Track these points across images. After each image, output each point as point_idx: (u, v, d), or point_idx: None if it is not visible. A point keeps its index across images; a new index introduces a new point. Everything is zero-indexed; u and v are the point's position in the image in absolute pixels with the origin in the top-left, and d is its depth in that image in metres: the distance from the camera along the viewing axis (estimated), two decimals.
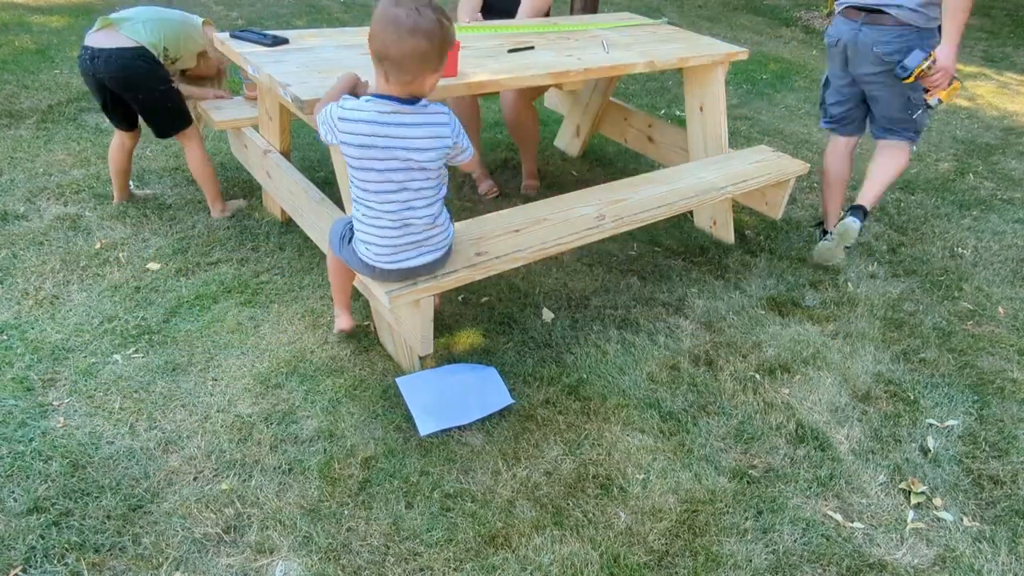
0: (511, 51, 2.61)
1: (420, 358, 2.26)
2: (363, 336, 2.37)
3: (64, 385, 2.05)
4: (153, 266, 2.61)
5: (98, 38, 2.57)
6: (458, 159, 1.92)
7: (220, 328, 2.34)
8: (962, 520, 1.93)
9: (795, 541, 1.82)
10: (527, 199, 3.35)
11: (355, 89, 1.90)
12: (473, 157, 1.98)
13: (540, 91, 3.51)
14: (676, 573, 1.71)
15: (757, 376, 2.38)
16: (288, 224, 2.94)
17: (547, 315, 2.57)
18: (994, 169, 4.44)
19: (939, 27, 2.63)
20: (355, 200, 1.88)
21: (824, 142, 4.58)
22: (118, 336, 2.25)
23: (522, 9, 3.22)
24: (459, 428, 2.03)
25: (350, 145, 1.75)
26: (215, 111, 2.90)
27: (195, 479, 1.81)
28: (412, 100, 1.76)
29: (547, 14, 3.38)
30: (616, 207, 2.44)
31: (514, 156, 3.89)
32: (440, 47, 1.69)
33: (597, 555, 1.72)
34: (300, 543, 1.68)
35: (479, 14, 3.21)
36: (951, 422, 2.27)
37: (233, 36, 2.47)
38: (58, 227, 2.78)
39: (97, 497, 1.73)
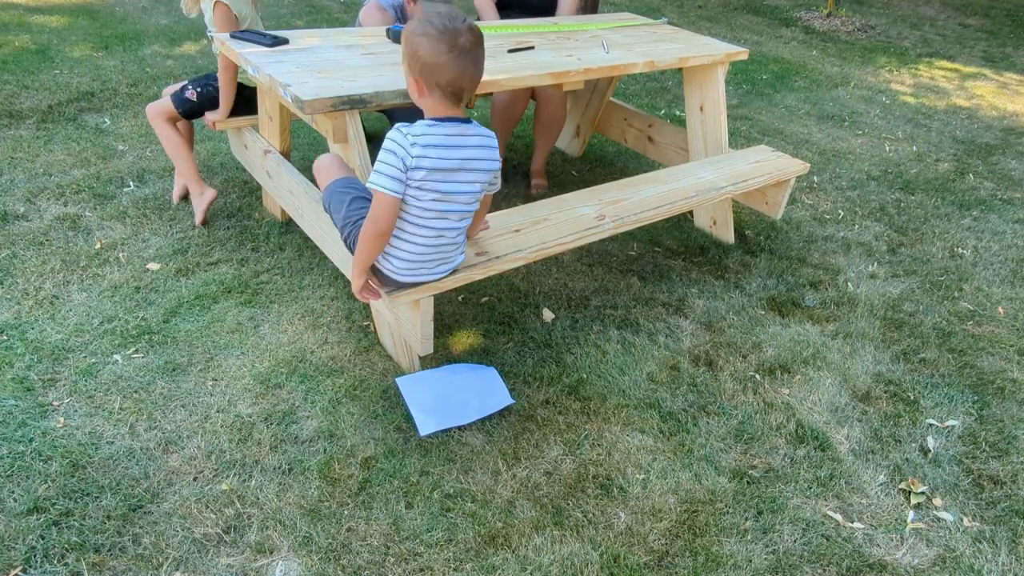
0: (511, 51, 2.61)
1: (420, 358, 2.26)
2: (363, 336, 2.37)
3: (64, 385, 2.05)
4: (153, 266, 2.61)
5: None
6: (492, 188, 1.91)
7: (220, 328, 2.34)
8: (962, 520, 1.93)
9: (795, 541, 1.82)
10: (527, 199, 3.35)
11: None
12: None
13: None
14: (676, 573, 1.71)
15: (757, 376, 2.38)
16: (288, 224, 2.94)
17: (547, 315, 2.57)
18: (994, 169, 4.44)
19: None
20: (402, 219, 1.79)
21: (826, 143, 4.58)
22: (118, 336, 2.25)
23: (562, 6, 3.31)
24: (459, 428, 2.03)
25: (422, 169, 1.67)
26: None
27: (195, 479, 1.81)
28: (467, 119, 1.75)
29: (595, 9, 3.46)
30: (616, 207, 2.44)
31: (514, 156, 3.89)
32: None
33: (597, 555, 1.72)
34: (300, 543, 1.68)
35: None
36: (951, 422, 2.27)
37: (233, 36, 2.47)
38: (58, 227, 2.78)
39: (97, 497, 1.73)
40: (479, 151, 1.77)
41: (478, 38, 1.65)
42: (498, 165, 1.83)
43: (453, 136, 1.71)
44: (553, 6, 3.44)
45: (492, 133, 1.81)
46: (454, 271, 1.99)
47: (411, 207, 1.75)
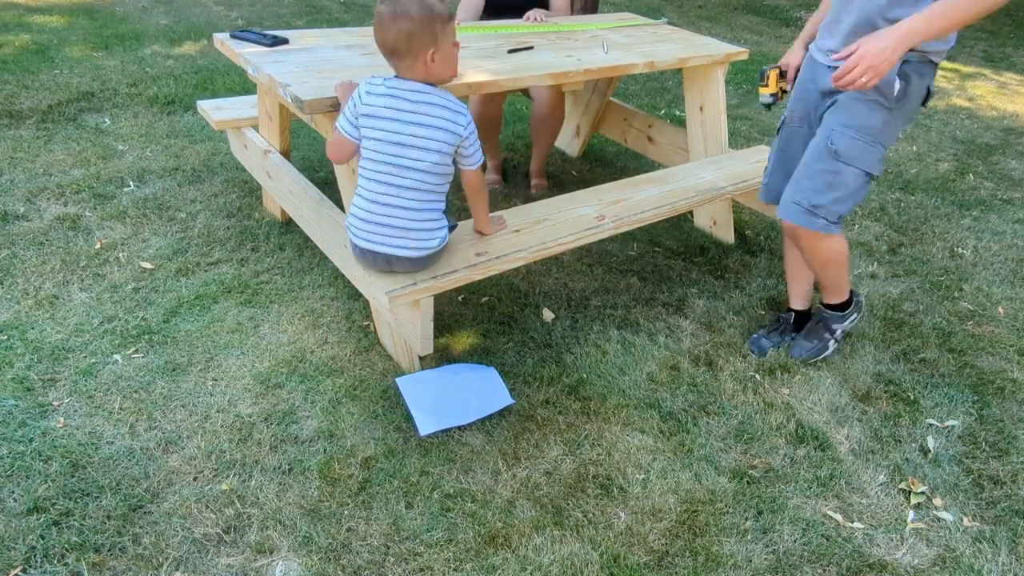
0: (511, 51, 2.61)
1: (420, 358, 2.26)
2: (363, 336, 2.37)
3: (64, 385, 2.05)
4: (153, 266, 2.61)
5: None
6: (465, 162, 1.99)
7: (220, 328, 2.34)
8: (962, 520, 1.93)
9: (795, 541, 1.82)
10: (527, 199, 3.35)
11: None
12: (478, 172, 2.04)
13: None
14: (676, 573, 1.71)
15: (757, 376, 2.38)
16: (288, 224, 2.94)
17: (547, 315, 2.57)
18: (994, 169, 4.44)
19: None
20: (360, 172, 1.95)
21: None
22: (118, 336, 2.25)
23: (554, 6, 3.34)
24: (459, 428, 2.03)
25: (371, 116, 1.86)
26: (215, 111, 2.90)
27: (195, 479, 1.81)
28: (431, 84, 1.88)
29: (595, 9, 3.44)
30: (616, 207, 2.44)
31: (514, 157, 3.89)
32: (424, 22, 1.79)
33: (597, 555, 1.72)
34: (300, 543, 1.68)
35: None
36: (951, 422, 2.27)
37: (233, 36, 2.47)
38: (58, 227, 2.78)
39: (97, 497, 1.73)
40: (429, 107, 1.87)
41: (397, 11, 1.78)
42: (457, 127, 1.89)
43: (403, 90, 1.86)
44: (545, 7, 3.43)
45: (455, 100, 1.91)
46: (429, 257, 1.98)
47: (363, 158, 1.91)
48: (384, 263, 1.97)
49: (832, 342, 2.47)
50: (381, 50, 1.87)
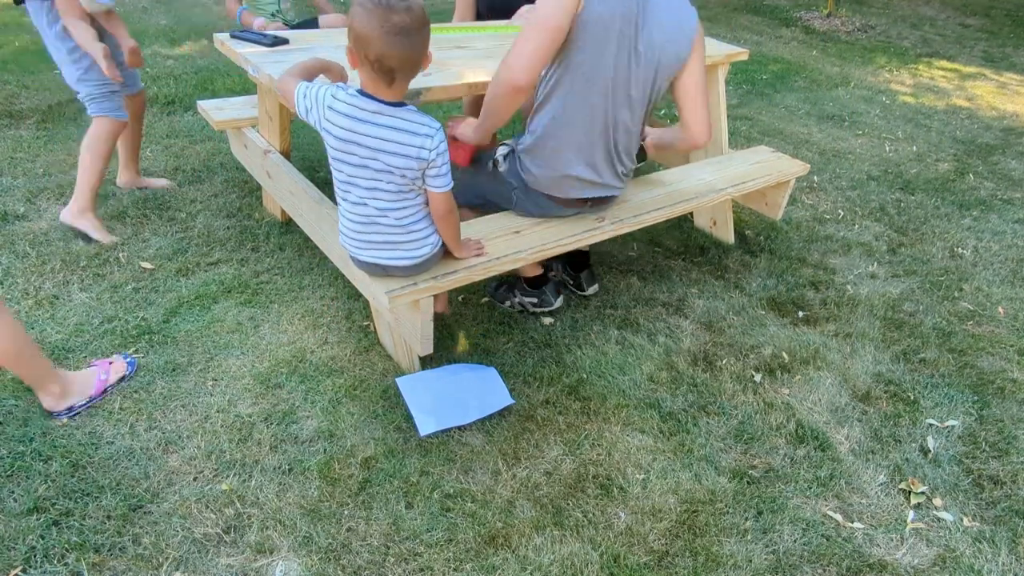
0: None
1: (420, 358, 2.26)
2: (363, 336, 2.37)
3: None
4: (153, 266, 2.61)
5: None
6: (431, 183, 1.82)
7: (220, 328, 2.34)
8: (962, 520, 1.93)
9: (795, 541, 1.82)
10: None
11: (331, 75, 1.93)
12: (447, 196, 1.86)
13: None
14: (676, 573, 1.71)
15: (757, 376, 2.38)
16: (288, 224, 2.94)
17: (547, 319, 2.57)
18: (994, 169, 4.44)
19: None
20: (335, 189, 1.92)
21: (826, 143, 4.58)
22: (118, 336, 2.25)
23: None
24: (459, 428, 2.03)
25: (331, 135, 1.77)
26: (215, 111, 2.90)
27: (195, 479, 1.81)
28: (399, 104, 1.74)
29: None
30: (616, 208, 2.44)
31: None
32: (430, 29, 1.71)
33: (597, 555, 1.72)
34: (300, 543, 1.68)
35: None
36: (951, 422, 2.27)
37: (233, 36, 2.47)
38: (58, 227, 2.78)
39: (97, 497, 1.73)
40: (393, 132, 1.72)
41: (416, 20, 1.62)
42: (420, 151, 1.74)
43: (366, 111, 1.72)
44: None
45: (427, 122, 1.74)
46: (426, 262, 1.97)
47: (335, 177, 1.86)
48: (381, 270, 1.97)
49: (509, 303, 2.56)
50: (397, 67, 1.64)
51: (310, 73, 1.91)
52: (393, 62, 1.63)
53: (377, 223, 1.88)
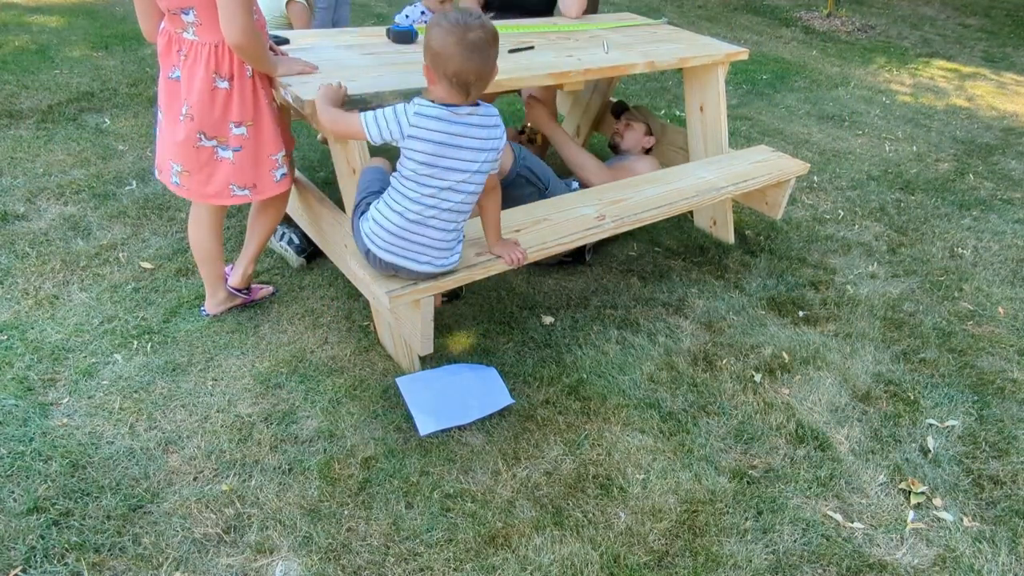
0: (511, 51, 2.61)
1: (420, 358, 2.26)
2: (363, 336, 2.37)
3: (64, 385, 2.05)
4: (153, 266, 2.61)
5: None
6: (495, 166, 1.92)
7: (220, 328, 2.34)
8: (962, 520, 1.93)
9: (795, 541, 1.82)
10: None
11: (340, 101, 1.93)
12: (496, 175, 1.98)
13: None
14: (676, 573, 1.71)
15: (757, 376, 2.38)
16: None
17: (547, 319, 2.57)
18: (994, 169, 4.44)
19: None
20: (393, 186, 1.88)
21: (826, 143, 4.58)
22: (118, 336, 2.25)
23: (568, 7, 3.30)
24: (459, 428, 2.03)
25: (421, 140, 1.76)
26: None
27: (195, 479, 1.81)
28: (475, 103, 1.82)
29: (595, 9, 3.49)
30: (616, 207, 2.44)
31: None
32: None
33: (597, 555, 1.72)
34: (300, 543, 1.68)
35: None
36: (951, 422, 2.27)
37: None
38: (58, 227, 2.78)
39: (97, 497, 1.73)
40: (476, 129, 1.80)
41: (491, 35, 1.71)
42: (498, 143, 1.85)
43: (452, 114, 1.77)
44: (551, 8, 3.43)
45: (496, 112, 1.84)
46: (446, 273, 1.98)
47: (405, 177, 1.83)
48: (393, 270, 1.96)
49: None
50: (474, 81, 1.73)
51: (336, 104, 1.91)
52: (470, 77, 1.72)
53: (427, 223, 1.86)
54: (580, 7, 3.33)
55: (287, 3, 3.30)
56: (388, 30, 2.62)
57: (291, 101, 2.04)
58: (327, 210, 2.34)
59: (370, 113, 1.81)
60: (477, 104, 1.81)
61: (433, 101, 1.77)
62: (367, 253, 1.95)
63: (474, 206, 1.95)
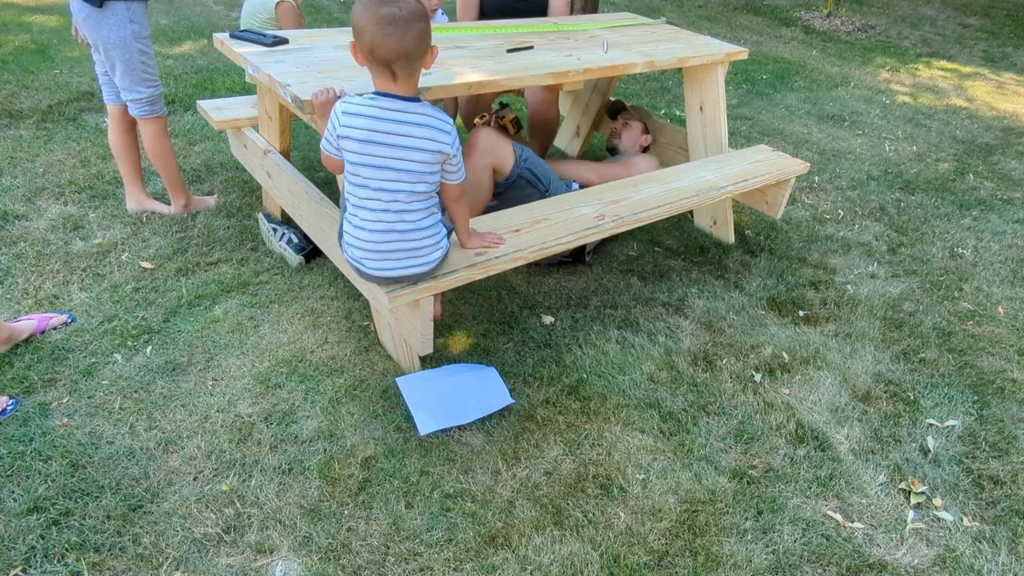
0: (510, 51, 2.61)
1: (420, 358, 2.26)
2: (363, 336, 2.37)
3: (64, 385, 2.05)
4: (153, 266, 2.61)
5: None
6: (449, 177, 1.89)
7: (220, 328, 2.34)
8: (962, 520, 1.93)
9: (795, 541, 1.82)
10: None
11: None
12: (460, 186, 1.94)
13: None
14: (676, 573, 1.71)
15: (757, 376, 2.38)
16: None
17: (547, 319, 2.57)
18: (994, 169, 4.44)
19: None
20: (346, 198, 1.89)
21: (826, 143, 4.58)
22: (118, 336, 2.25)
23: (554, 7, 3.35)
24: (459, 428, 2.03)
25: (351, 139, 1.76)
26: (215, 111, 2.90)
27: (195, 479, 1.81)
28: (414, 99, 1.78)
29: (594, 9, 3.50)
30: (616, 207, 2.44)
31: None
32: (426, 19, 1.73)
33: (597, 555, 1.72)
34: (300, 543, 1.68)
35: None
36: (951, 422, 2.27)
37: (233, 36, 2.47)
38: (58, 227, 2.78)
39: (97, 497, 1.73)
40: (414, 128, 1.76)
41: (407, 12, 1.67)
42: (443, 147, 1.79)
43: (386, 110, 1.75)
44: (544, 9, 3.43)
45: (441, 115, 1.80)
46: (436, 267, 1.96)
47: (348, 183, 1.83)
48: (388, 282, 1.95)
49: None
50: (391, 58, 1.69)
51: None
52: (386, 53, 1.68)
53: (394, 230, 1.85)
54: (564, 6, 3.36)
55: (276, 4, 3.32)
56: None
57: (290, 101, 2.04)
58: (327, 210, 2.34)
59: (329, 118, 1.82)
60: (415, 101, 1.77)
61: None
62: (361, 274, 1.96)
63: (436, 195, 1.92)
